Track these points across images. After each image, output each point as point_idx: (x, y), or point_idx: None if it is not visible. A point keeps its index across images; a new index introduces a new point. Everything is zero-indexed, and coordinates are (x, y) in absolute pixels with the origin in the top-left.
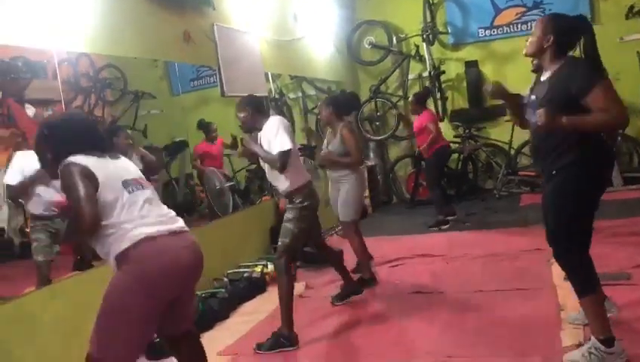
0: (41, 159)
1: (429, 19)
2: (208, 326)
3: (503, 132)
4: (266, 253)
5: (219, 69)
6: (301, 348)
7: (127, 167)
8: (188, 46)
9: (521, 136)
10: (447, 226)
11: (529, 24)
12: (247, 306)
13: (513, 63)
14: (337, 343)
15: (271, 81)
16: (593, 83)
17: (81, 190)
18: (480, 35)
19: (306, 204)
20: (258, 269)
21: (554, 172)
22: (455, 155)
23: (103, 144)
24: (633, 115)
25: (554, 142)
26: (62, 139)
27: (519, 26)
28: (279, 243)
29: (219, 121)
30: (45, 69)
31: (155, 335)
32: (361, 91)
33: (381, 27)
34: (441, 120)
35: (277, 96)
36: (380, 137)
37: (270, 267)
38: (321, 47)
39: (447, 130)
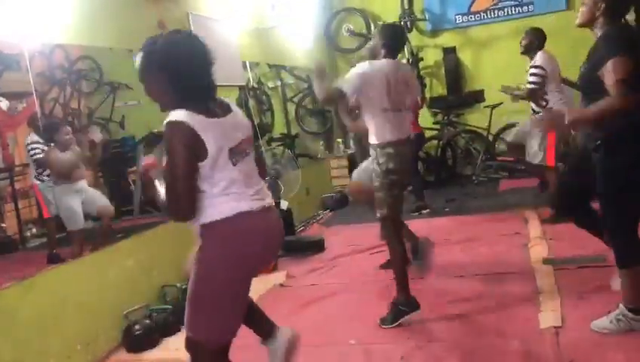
0: (149, 92)
1: (406, 6)
2: None
3: (481, 118)
4: None
5: None
6: None
7: (236, 125)
8: None
9: (500, 121)
10: (427, 211)
11: (505, 10)
12: None
13: (490, 49)
14: (320, 331)
15: (249, 69)
16: (607, 55)
17: (182, 172)
18: (457, 21)
19: (391, 167)
20: None
21: (598, 142)
22: (434, 142)
23: (214, 88)
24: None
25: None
26: (179, 77)
27: (496, 12)
28: (378, 214)
29: None
30: (18, 62)
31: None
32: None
33: (359, 14)
34: (420, 107)
35: (255, 85)
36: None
37: None
38: (299, 35)
39: (426, 116)
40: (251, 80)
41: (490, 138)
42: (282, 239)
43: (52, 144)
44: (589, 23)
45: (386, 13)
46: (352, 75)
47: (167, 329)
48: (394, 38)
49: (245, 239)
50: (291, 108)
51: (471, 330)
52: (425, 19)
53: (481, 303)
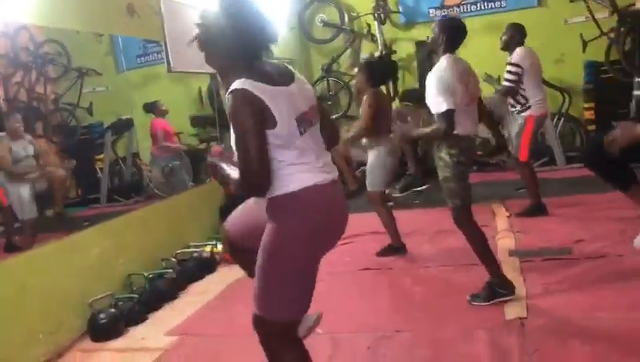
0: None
1: None
2: (156, 306)
3: None
4: (215, 232)
5: (165, 44)
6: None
7: (301, 93)
8: (132, 20)
9: None
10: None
11: (478, 5)
12: (196, 286)
13: (463, 43)
14: None
15: None
16: None
17: (253, 142)
18: (431, 14)
19: (462, 159)
20: (208, 249)
21: None
22: None
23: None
24: (575, 96)
25: None
26: (247, 34)
27: (468, 6)
28: (450, 204)
29: (167, 98)
30: None
31: None
32: (313, 70)
33: (333, 5)
34: (392, 99)
35: None
36: (332, 116)
37: (220, 246)
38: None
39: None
40: None
41: None
42: (347, 216)
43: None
44: None
45: (360, 5)
46: (442, 82)
47: (133, 318)
48: (456, 32)
49: (318, 212)
50: None
51: (437, 321)
52: (399, 12)
53: (448, 294)
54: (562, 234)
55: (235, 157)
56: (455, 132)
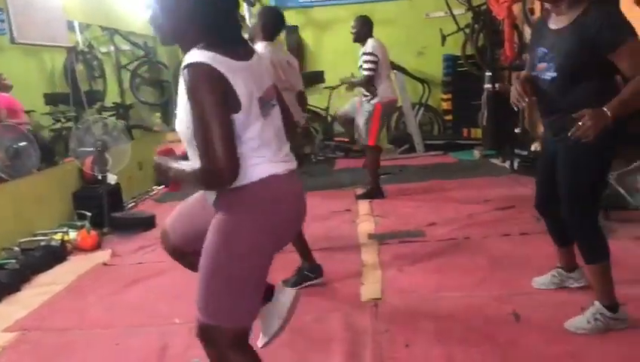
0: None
1: None
2: None
3: (321, 99)
4: (68, 219)
5: (7, 12)
6: (93, 322)
7: (261, 70)
8: None
9: (338, 103)
10: None
11: None
12: (43, 277)
13: (331, 31)
14: (143, 311)
15: (78, 31)
16: (625, 37)
17: (217, 127)
18: (301, 0)
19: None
20: (57, 237)
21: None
22: None
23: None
24: (434, 87)
25: (572, 98)
26: (202, 10)
27: None
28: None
29: (15, 72)
30: None
31: None
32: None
33: None
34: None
35: (86, 49)
36: None
37: (72, 234)
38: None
39: None
40: (80, 42)
41: (329, 119)
42: (306, 208)
43: None
44: (556, 1)
45: None
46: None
47: None
48: (274, 21)
49: (279, 206)
50: (126, 76)
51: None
52: None
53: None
54: (418, 218)
55: (181, 150)
56: None
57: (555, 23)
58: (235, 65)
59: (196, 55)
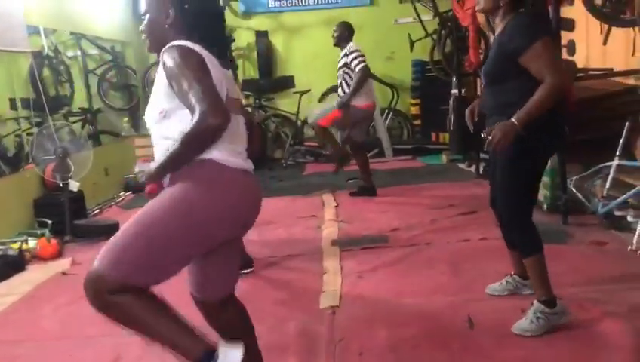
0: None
1: None
2: None
3: (291, 103)
4: (29, 227)
5: None
6: (47, 334)
7: (231, 79)
8: None
9: (307, 107)
10: None
11: None
12: (0, 287)
13: (301, 36)
14: (99, 322)
15: (43, 35)
16: (530, 40)
17: (209, 81)
18: (270, 5)
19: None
20: (15, 246)
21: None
22: None
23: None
24: (403, 92)
25: (505, 99)
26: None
27: (306, 0)
28: None
29: None
30: None
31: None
32: (147, 53)
33: None
34: None
35: (51, 54)
36: None
37: (31, 243)
38: (104, 3)
39: None
40: (46, 47)
41: (299, 123)
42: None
43: None
44: (490, 12)
45: None
46: None
47: None
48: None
49: (232, 191)
50: (94, 80)
51: (253, 314)
52: (237, 0)
53: (268, 286)
54: (382, 223)
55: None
56: None
57: (496, 33)
58: (214, 61)
59: (180, 42)
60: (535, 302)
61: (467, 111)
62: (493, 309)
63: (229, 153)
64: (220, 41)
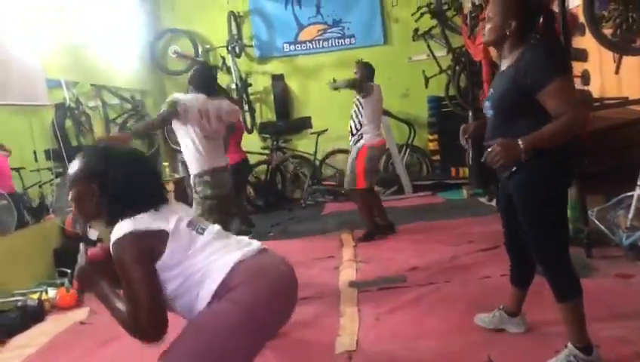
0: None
1: (234, 32)
2: None
3: (308, 144)
4: (48, 277)
5: None
6: None
7: (176, 203)
8: None
9: (325, 147)
10: (251, 235)
11: (330, 41)
12: (19, 339)
13: (316, 78)
14: None
15: (65, 88)
16: (551, 76)
17: (145, 290)
18: (285, 49)
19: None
20: (34, 296)
21: (514, 168)
22: (263, 166)
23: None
24: (420, 128)
25: (514, 133)
26: (121, 192)
27: (321, 42)
28: None
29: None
30: None
31: None
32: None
33: (186, 36)
34: (250, 132)
35: (73, 105)
36: None
37: (51, 293)
38: (122, 55)
39: (255, 141)
40: (67, 99)
41: (317, 163)
42: (295, 278)
43: None
44: (497, 43)
45: (214, 37)
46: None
47: None
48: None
49: (255, 282)
50: (114, 130)
51: (267, 358)
52: (252, 46)
53: (284, 331)
54: (400, 262)
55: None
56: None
57: (503, 65)
58: (158, 215)
59: (120, 228)
60: (570, 345)
61: (461, 129)
62: (515, 349)
63: (223, 257)
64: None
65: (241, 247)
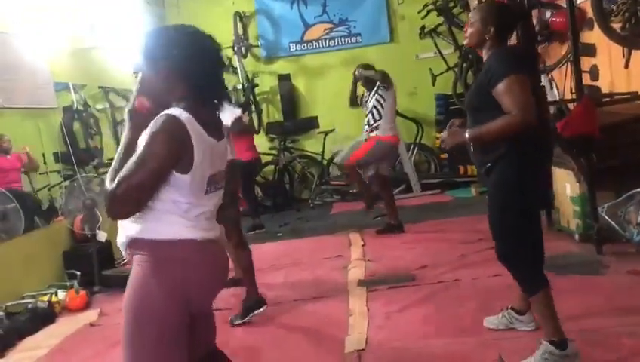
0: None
1: (240, 32)
2: None
3: (315, 144)
4: (58, 280)
5: None
6: None
7: (222, 154)
8: None
9: (333, 147)
10: (263, 230)
11: (336, 40)
12: (29, 341)
13: (323, 77)
14: None
15: (72, 91)
16: (502, 75)
17: (150, 170)
18: (291, 49)
19: None
20: (44, 299)
21: (489, 165)
22: (271, 167)
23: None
24: (427, 126)
25: None
26: (192, 71)
27: (327, 41)
28: None
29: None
30: None
31: None
32: None
33: None
34: (257, 132)
35: (81, 108)
36: None
37: (61, 295)
38: (129, 57)
39: (262, 142)
40: (75, 102)
41: (324, 163)
42: (227, 276)
43: None
44: (477, 46)
45: (219, 38)
46: None
47: None
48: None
49: (187, 267)
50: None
51: (278, 358)
52: (259, 46)
53: (293, 329)
54: (409, 261)
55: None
56: None
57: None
58: (202, 136)
59: (175, 110)
60: (543, 341)
61: (447, 127)
62: (526, 347)
63: (181, 225)
64: (220, 95)
65: (206, 229)
